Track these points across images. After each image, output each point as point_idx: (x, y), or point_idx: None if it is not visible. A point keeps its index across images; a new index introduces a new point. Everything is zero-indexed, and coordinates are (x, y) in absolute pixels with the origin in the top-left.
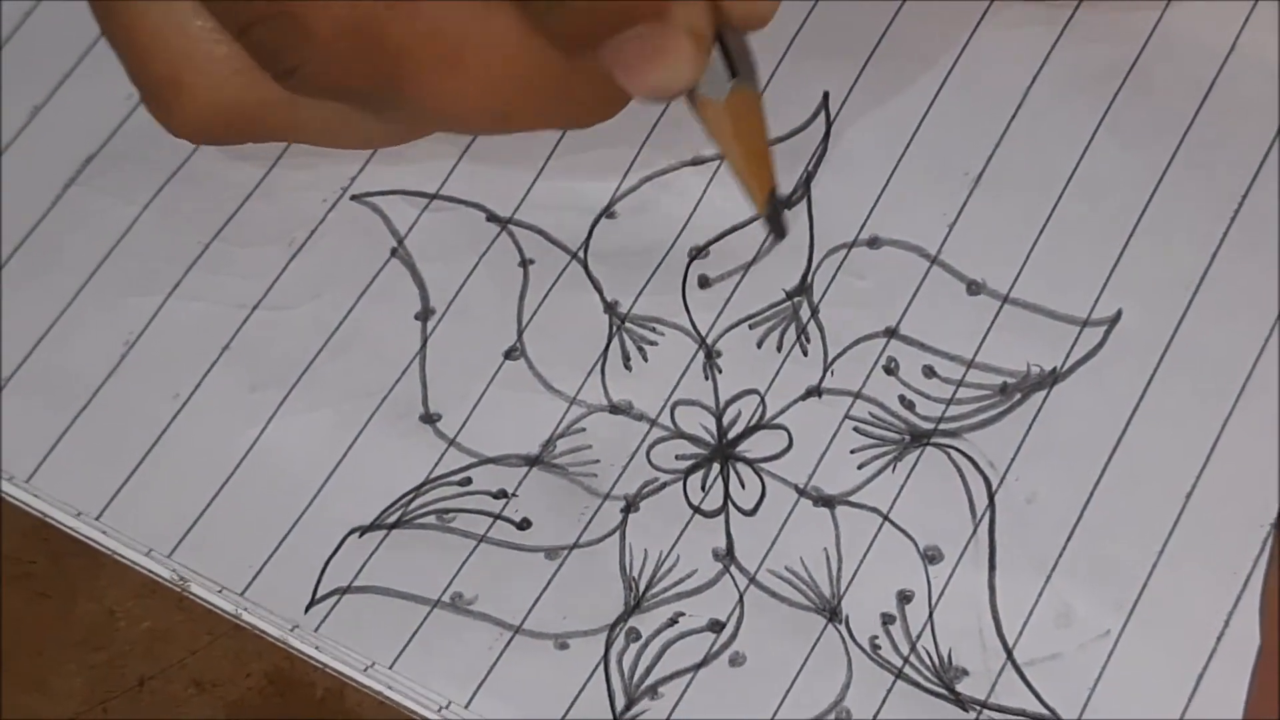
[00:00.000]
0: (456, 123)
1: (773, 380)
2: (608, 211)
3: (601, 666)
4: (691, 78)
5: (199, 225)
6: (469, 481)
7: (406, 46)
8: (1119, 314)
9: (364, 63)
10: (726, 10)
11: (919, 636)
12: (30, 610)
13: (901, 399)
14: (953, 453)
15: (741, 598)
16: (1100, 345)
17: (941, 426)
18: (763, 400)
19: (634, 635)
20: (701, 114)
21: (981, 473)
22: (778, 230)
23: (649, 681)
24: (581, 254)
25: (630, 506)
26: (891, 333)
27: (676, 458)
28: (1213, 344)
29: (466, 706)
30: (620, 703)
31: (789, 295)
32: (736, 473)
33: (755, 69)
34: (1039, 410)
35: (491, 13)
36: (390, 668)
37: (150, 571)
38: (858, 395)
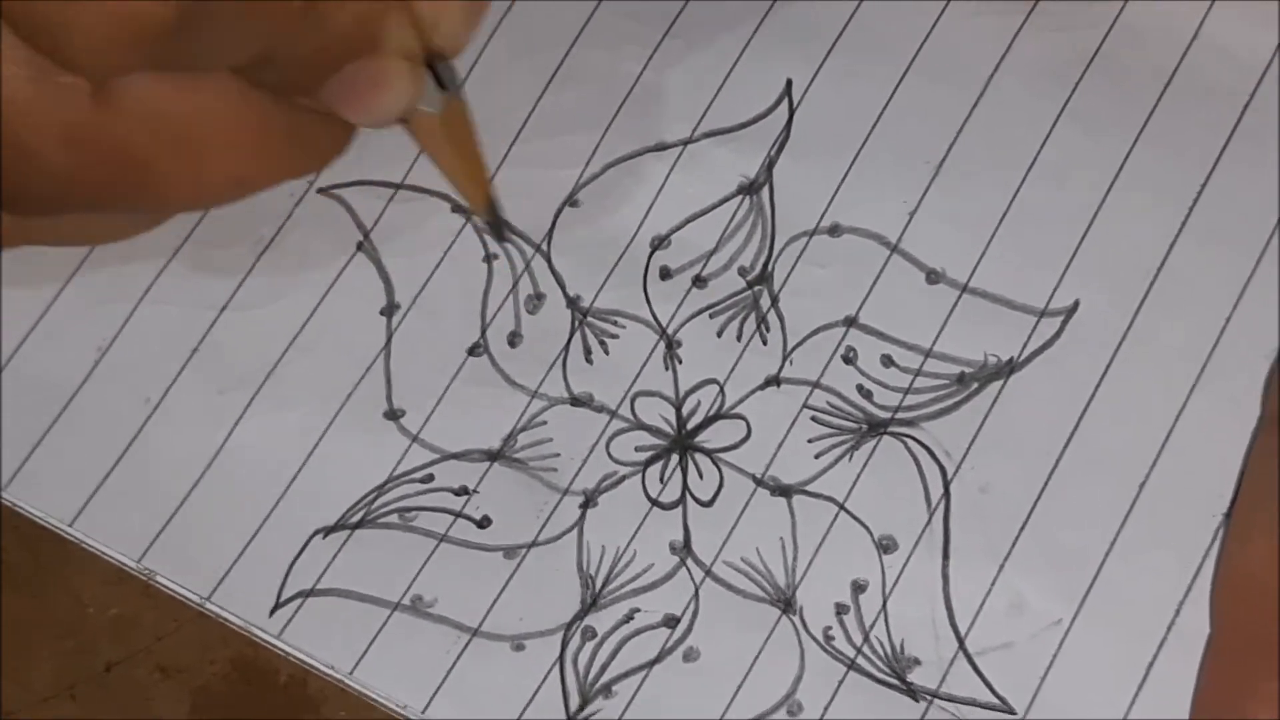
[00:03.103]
0: (199, 200)
1: (732, 370)
2: (571, 199)
3: (557, 667)
4: (413, 97)
5: (169, 229)
6: (431, 478)
7: (129, 141)
8: (1076, 304)
9: (91, 170)
10: (427, 36)
11: (872, 626)
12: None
13: (860, 388)
14: (909, 442)
15: (697, 591)
16: (1057, 335)
17: (899, 416)
18: (722, 390)
19: (590, 634)
20: (416, 129)
21: (937, 462)
22: (498, 233)
23: (603, 680)
24: (545, 246)
25: (589, 501)
26: (851, 322)
27: (636, 449)
28: (1169, 334)
29: (424, 710)
30: (574, 703)
31: (749, 284)
32: (695, 463)
33: (460, 81)
34: (995, 400)
35: (204, 83)
36: (350, 673)
37: (118, 560)
38: (816, 384)
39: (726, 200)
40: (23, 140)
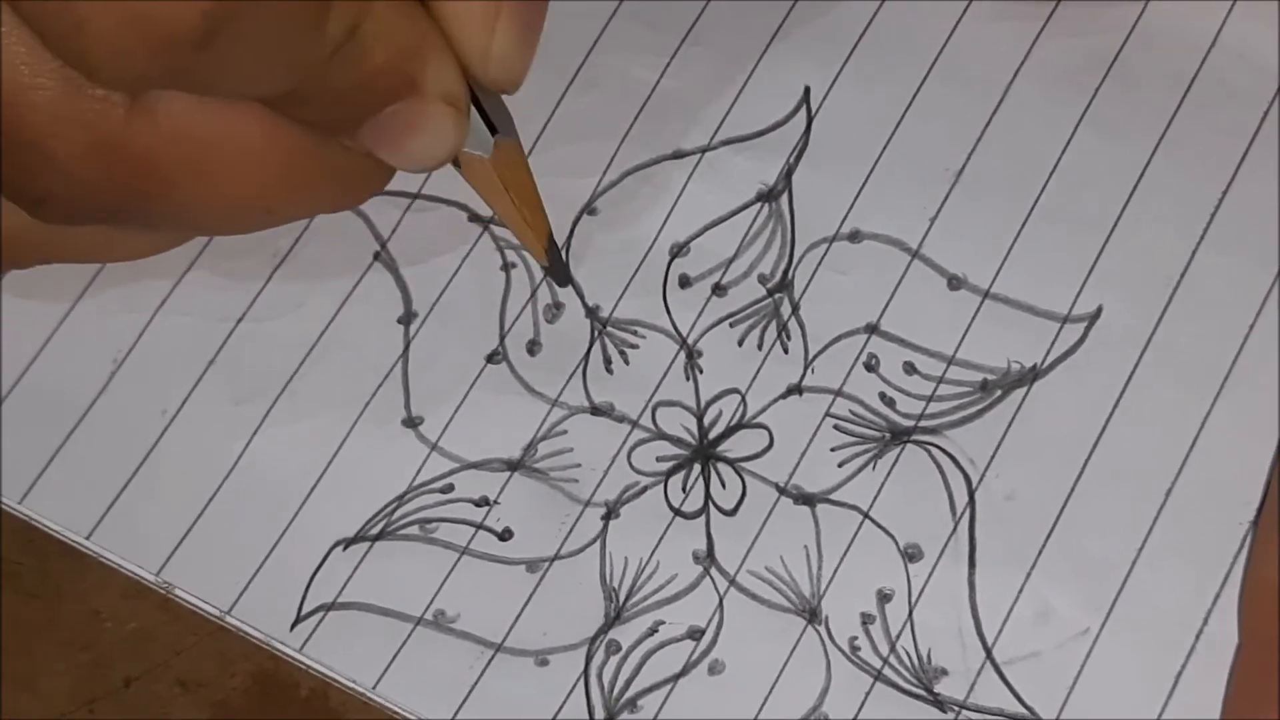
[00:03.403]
0: (220, 225)
1: (753, 379)
2: (589, 208)
3: (581, 682)
4: (457, 143)
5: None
6: (451, 489)
7: (153, 157)
8: (1099, 310)
9: (113, 180)
10: (476, 76)
11: (898, 636)
12: (18, 610)
13: (882, 396)
14: (933, 450)
15: (721, 601)
16: (1080, 342)
17: (922, 424)
18: (743, 399)
19: (614, 648)
20: (468, 173)
21: (962, 470)
22: (560, 278)
23: (628, 695)
24: (563, 255)
25: (611, 513)
26: (872, 329)
27: (658, 459)
28: (1193, 340)
29: None
30: (600, 717)
31: (770, 292)
32: (717, 473)
33: (512, 121)
34: (1019, 407)
35: (237, 109)
36: (374, 688)
37: (135, 574)
38: (838, 393)
39: (745, 208)
40: (49, 146)
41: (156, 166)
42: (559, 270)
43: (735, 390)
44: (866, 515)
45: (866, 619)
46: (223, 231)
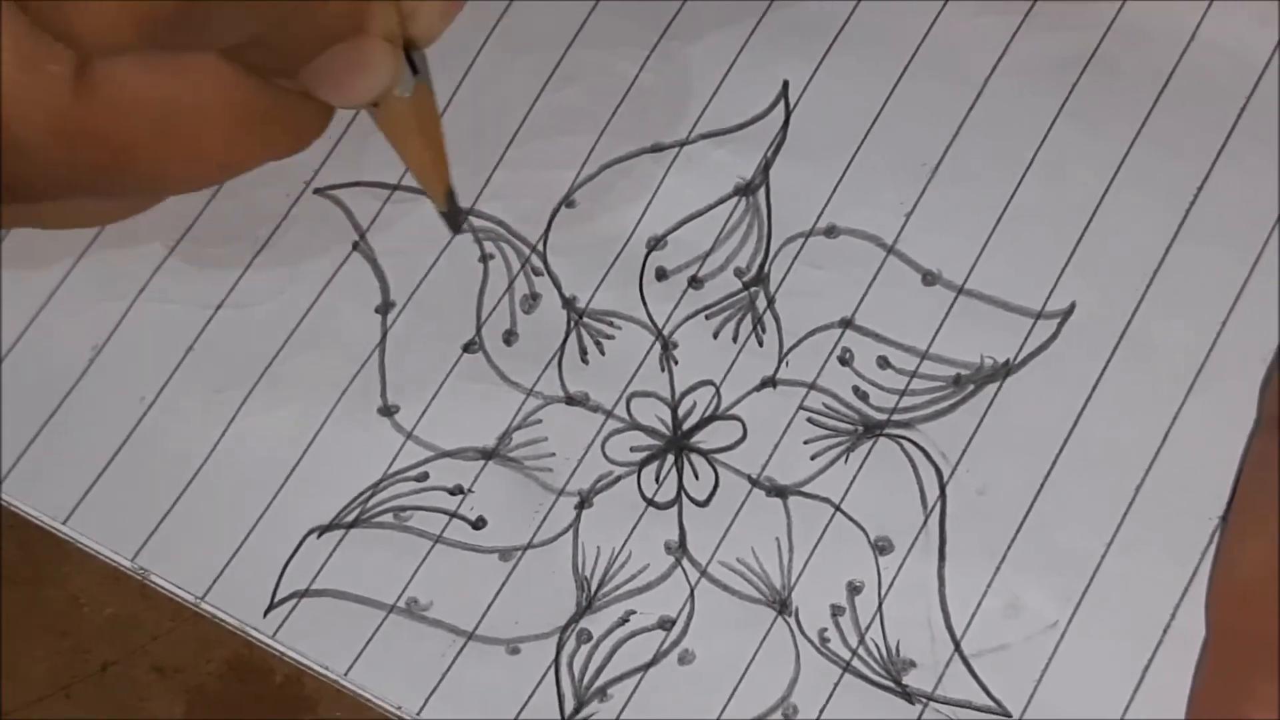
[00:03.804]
0: (187, 183)
1: (728, 371)
2: (567, 200)
3: (552, 670)
4: (392, 80)
5: (165, 228)
6: (426, 477)
7: (115, 128)
8: (1072, 306)
9: (79, 158)
10: (405, 27)
11: (868, 628)
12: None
13: (855, 390)
14: (905, 443)
15: (692, 592)
16: (1053, 337)
17: (895, 417)
18: (718, 391)
19: (585, 636)
20: (385, 114)
21: (933, 464)
22: (454, 224)
23: (598, 683)
24: (541, 247)
25: (584, 502)
26: (847, 323)
27: (631, 449)
28: (1166, 335)
29: (419, 713)
30: (569, 705)
31: (746, 285)
32: (690, 464)
33: (428, 68)
34: (991, 402)
35: (190, 66)
36: (345, 674)
37: (111, 559)
38: (812, 386)
39: (723, 201)
40: (12, 130)
41: (115, 136)
42: (455, 215)
43: (710, 382)
44: (838, 508)
45: (836, 611)
46: (183, 189)
